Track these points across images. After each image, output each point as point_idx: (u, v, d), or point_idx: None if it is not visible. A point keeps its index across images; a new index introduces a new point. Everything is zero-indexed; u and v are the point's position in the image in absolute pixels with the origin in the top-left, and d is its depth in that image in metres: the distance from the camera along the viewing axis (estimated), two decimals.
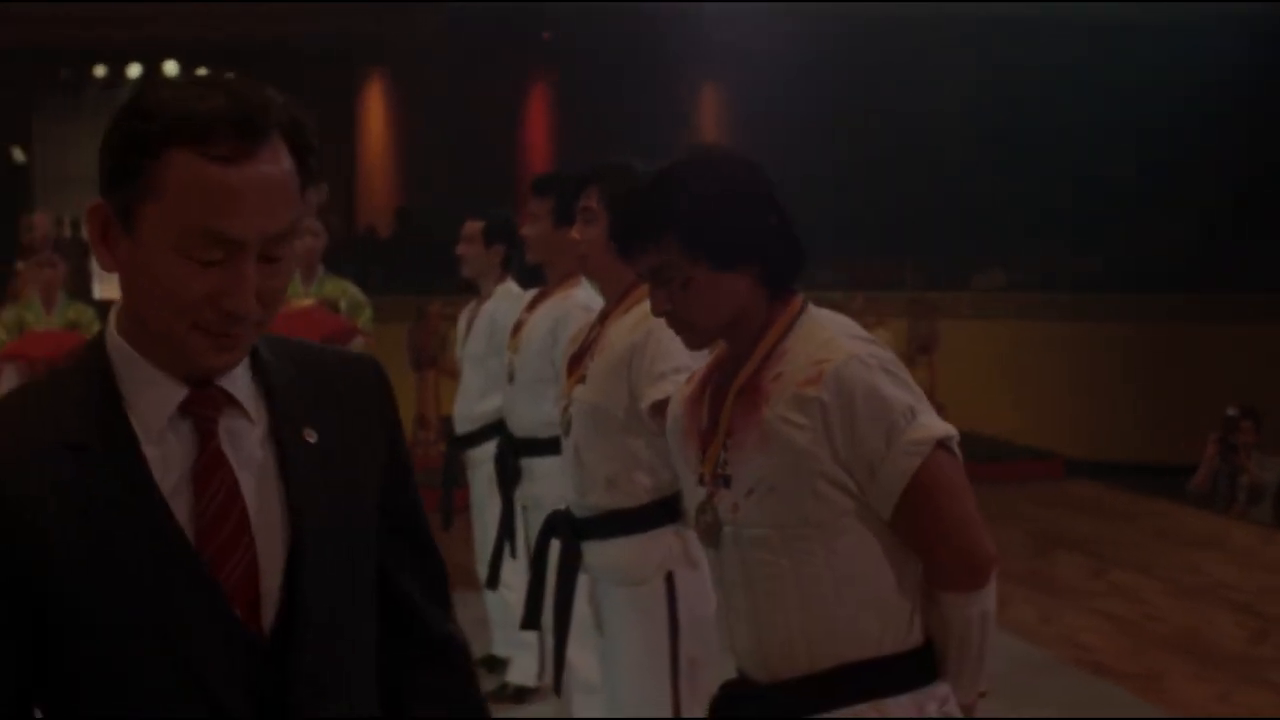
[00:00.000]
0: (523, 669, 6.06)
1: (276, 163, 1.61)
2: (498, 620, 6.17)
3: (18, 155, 18.45)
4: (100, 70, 19.56)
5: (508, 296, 5.88)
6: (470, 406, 6.14)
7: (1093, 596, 8.02)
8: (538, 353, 4.95)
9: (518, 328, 5.10)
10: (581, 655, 4.23)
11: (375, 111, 20.67)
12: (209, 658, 1.62)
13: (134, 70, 19.34)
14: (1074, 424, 15.24)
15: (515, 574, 5.37)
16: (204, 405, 1.69)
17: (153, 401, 1.67)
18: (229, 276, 1.60)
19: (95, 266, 18.54)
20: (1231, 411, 11.05)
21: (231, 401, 1.70)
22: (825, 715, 2.49)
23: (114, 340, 1.68)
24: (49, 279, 8.30)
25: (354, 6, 18.09)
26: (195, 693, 1.62)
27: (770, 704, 2.56)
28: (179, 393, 1.67)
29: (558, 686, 4.35)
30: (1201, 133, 16.34)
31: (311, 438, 1.73)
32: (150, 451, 1.65)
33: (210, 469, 1.67)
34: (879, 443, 2.44)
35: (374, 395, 1.84)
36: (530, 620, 4.23)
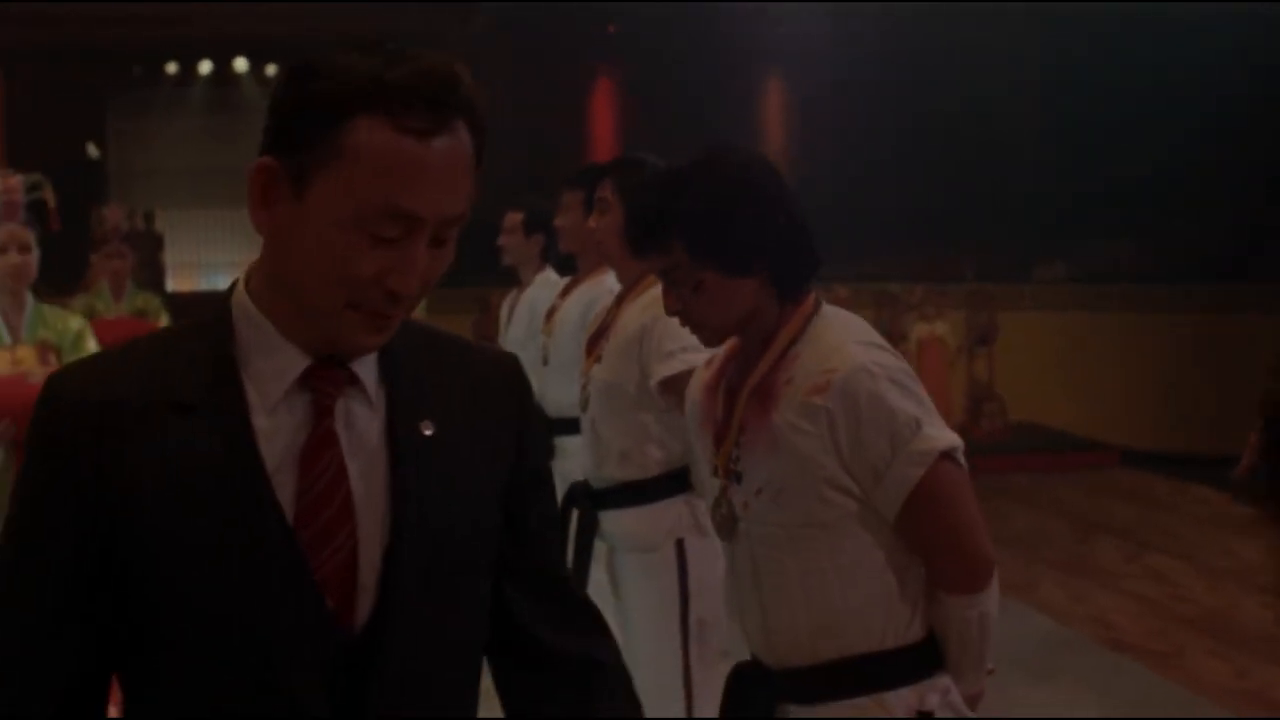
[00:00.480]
0: None
1: (462, 141, 1.54)
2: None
3: (92, 151, 18.74)
4: (172, 67, 19.80)
5: (546, 284, 6.10)
6: None
7: (1124, 579, 8.18)
8: (570, 336, 5.16)
9: (551, 313, 5.34)
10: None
11: None
12: (291, 646, 1.53)
13: (205, 67, 19.54)
14: (1129, 415, 15.27)
15: None
16: (326, 381, 1.59)
17: (273, 370, 1.57)
18: (400, 255, 1.51)
19: (168, 260, 18.89)
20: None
21: (354, 382, 1.60)
22: (828, 704, 2.57)
23: (241, 302, 1.59)
24: (118, 269, 8.60)
25: (418, 2, 18.32)
26: (271, 680, 1.53)
27: (778, 689, 2.64)
28: (301, 363, 1.57)
29: None
30: (1259, 123, 16.27)
31: (429, 430, 1.62)
32: (260, 422, 1.55)
33: (320, 448, 1.57)
34: (884, 452, 2.48)
35: (507, 395, 1.74)
36: None
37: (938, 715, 2.54)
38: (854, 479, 2.50)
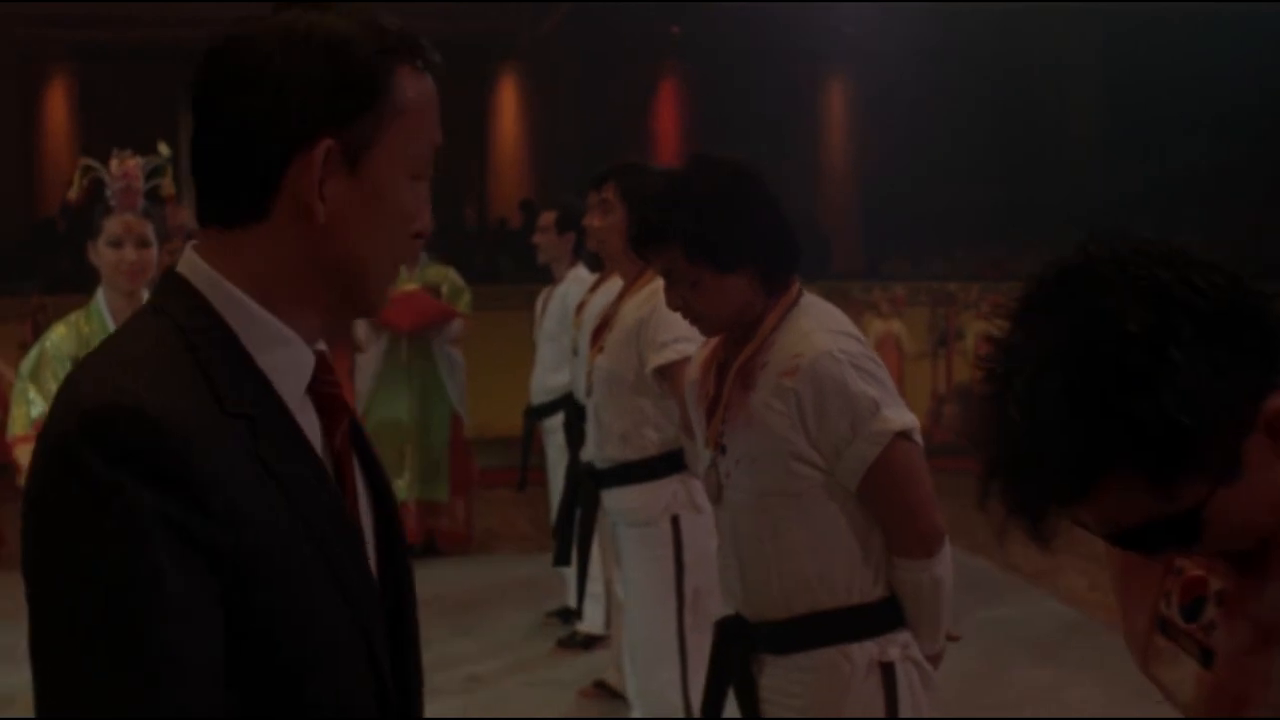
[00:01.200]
0: (592, 618, 6.65)
1: None
2: (571, 575, 6.76)
3: (164, 149, 19.14)
4: None
5: (577, 280, 6.43)
6: (544, 380, 6.74)
7: None
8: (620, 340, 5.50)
9: (580, 307, 5.68)
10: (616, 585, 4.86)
11: (507, 105, 21.15)
12: (372, 627, 1.49)
13: None
14: None
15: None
16: (325, 372, 1.54)
17: (287, 365, 1.48)
18: (421, 195, 1.53)
19: None
20: None
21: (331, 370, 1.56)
22: (798, 654, 2.89)
23: (227, 294, 1.47)
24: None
25: (486, 4, 18.61)
26: (365, 657, 1.49)
27: (755, 641, 2.97)
28: (309, 356, 1.51)
29: (579, 608, 4.95)
30: None
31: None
32: (300, 420, 1.49)
33: (348, 450, 1.55)
34: (845, 431, 2.78)
35: None
36: (559, 558, 4.86)
37: (897, 666, 2.87)
38: (819, 454, 2.82)
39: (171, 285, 1.49)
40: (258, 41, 1.46)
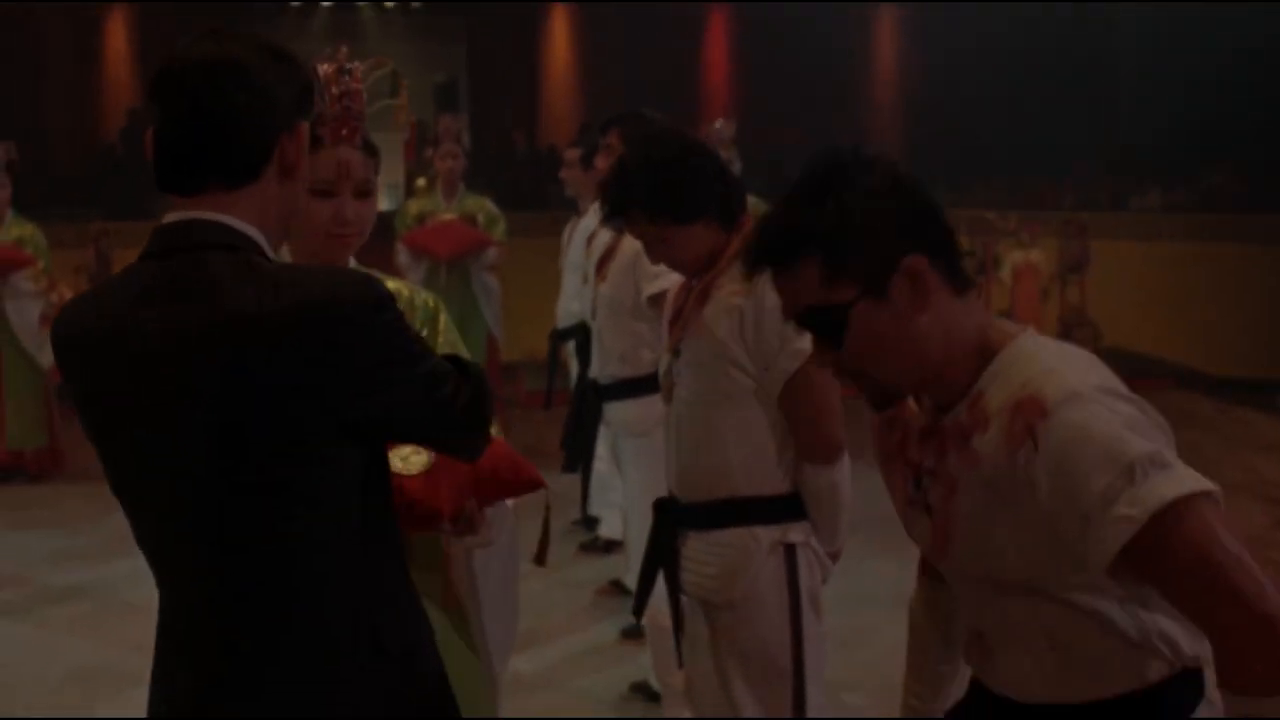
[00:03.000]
0: (611, 525, 7.17)
1: None
2: (593, 485, 7.27)
3: None
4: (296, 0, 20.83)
5: (599, 214, 6.90)
6: (568, 305, 7.23)
7: None
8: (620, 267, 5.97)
9: (591, 237, 6.17)
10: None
11: (559, 33, 21.47)
12: None
13: None
14: (1219, 342, 15.57)
15: (604, 443, 6.06)
16: None
17: None
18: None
19: None
20: None
21: None
22: (715, 532, 3.42)
23: (255, 235, 2.11)
24: None
25: None
26: None
27: (682, 517, 3.52)
28: None
29: (584, 510, 5.49)
30: None
31: None
32: None
33: None
34: (774, 346, 3.29)
35: None
36: (568, 465, 5.42)
37: (798, 549, 3.40)
38: (752, 363, 3.34)
39: (225, 229, 2.07)
40: (253, 55, 2.09)
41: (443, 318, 2.96)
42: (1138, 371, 14.53)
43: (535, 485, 2.82)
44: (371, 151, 2.85)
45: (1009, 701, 2.21)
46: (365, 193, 2.82)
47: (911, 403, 2.23)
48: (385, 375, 2.04)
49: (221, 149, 2.07)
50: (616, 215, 3.49)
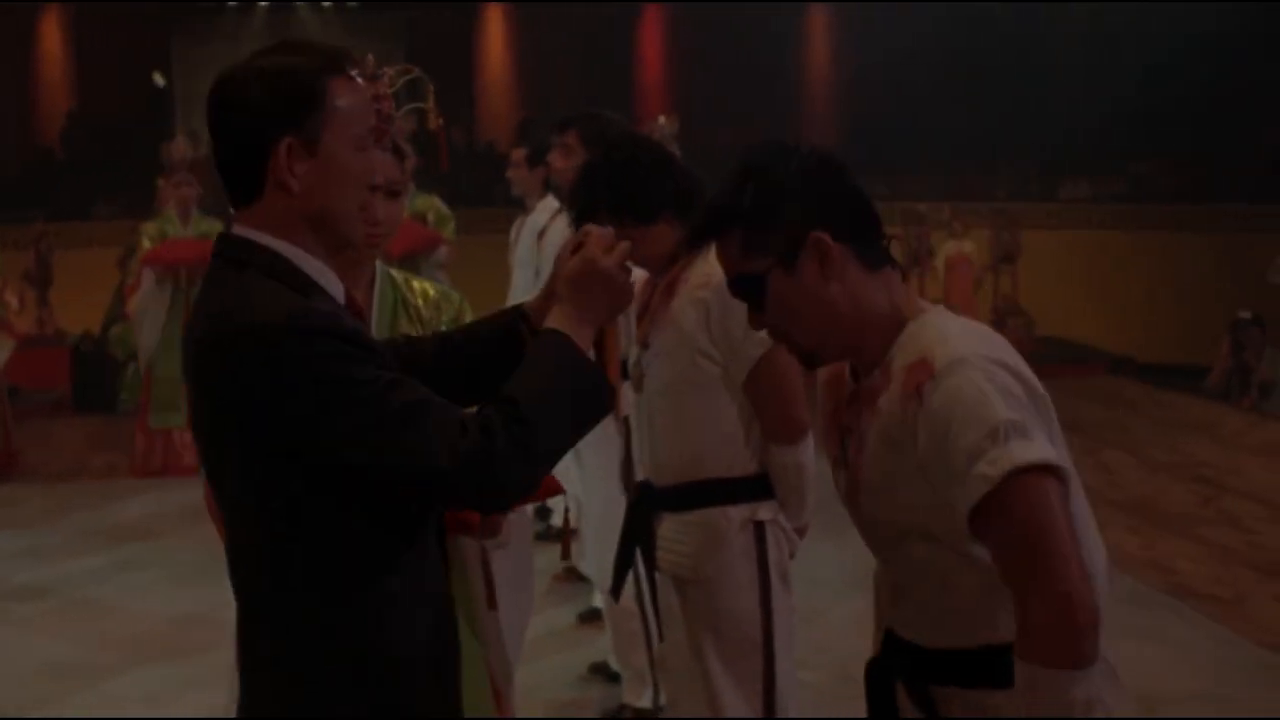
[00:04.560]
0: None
1: None
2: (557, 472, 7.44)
3: (159, 79, 19.47)
4: None
5: (547, 210, 7.07)
6: (518, 301, 7.40)
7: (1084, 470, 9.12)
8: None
9: (541, 233, 6.36)
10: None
11: (495, 29, 21.59)
12: None
13: None
14: (1124, 325, 15.84)
15: None
16: (348, 291, 2.31)
17: (333, 285, 2.22)
18: (370, 159, 2.26)
19: None
20: (1244, 315, 11.99)
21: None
22: (690, 512, 3.60)
23: (280, 247, 2.17)
24: (184, 196, 9.62)
25: None
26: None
27: (658, 501, 3.71)
28: (338, 281, 2.25)
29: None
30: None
31: None
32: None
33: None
34: (739, 335, 3.47)
35: None
36: None
37: (767, 526, 3.58)
38: (718, 351, 3.53)
39: (241, 244, 2.19)
40: (238, 78, 2.19)
41: (468, 317, 3.11)
42: (1071, 358, 14.81)
43: (555, 491, 3.00)
44: (401, 154, 3.19)
45: (916, 648, 2.41)
46: (394, 193, 3.17)
47: (846, 372, 2.48)
48: (304, 407, 2.07)
49: (225, 168, 2.22)
50: (584, 219, 3.64)
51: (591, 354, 2.26)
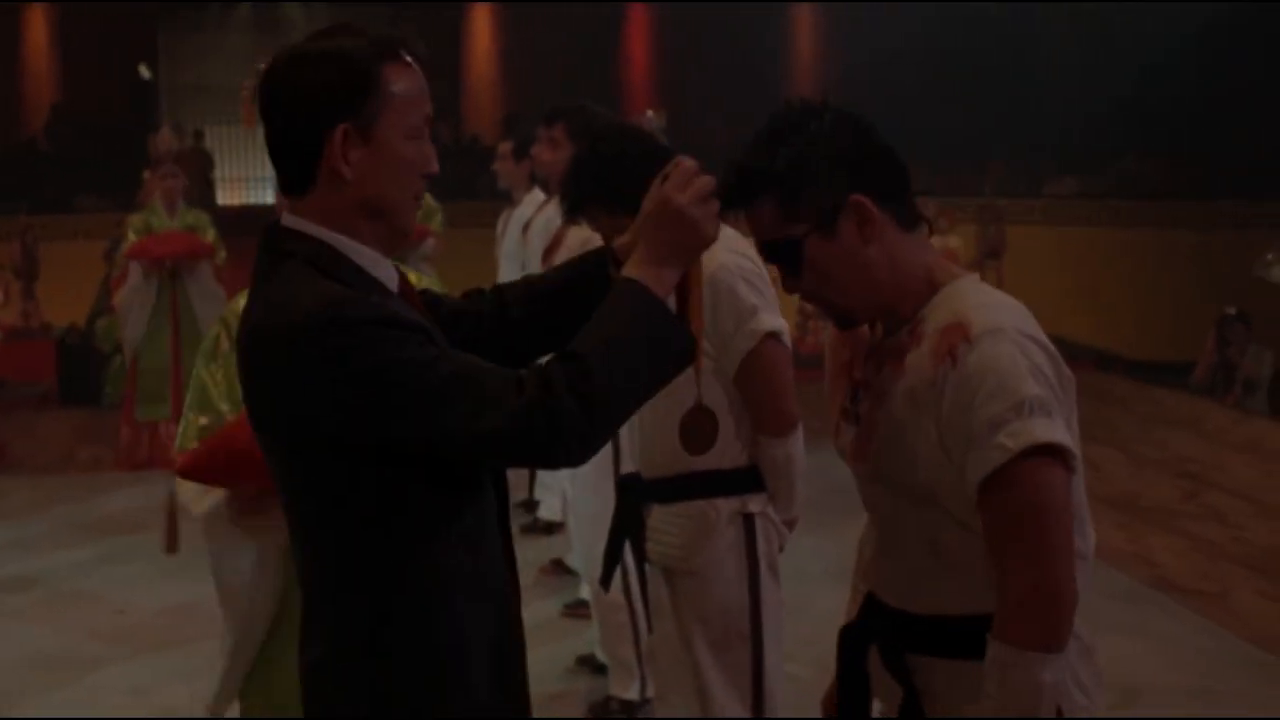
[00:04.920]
0: (550, 507, 7.39)
1: None
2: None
3: (144, 71, 19.43)
4: None
5: (533, 202, 7.08)
6: None
7: None
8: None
9: (526, 226, 6.36)
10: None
11: (481, 24, 21.66)
12: None
13: None
14: (1112, 322, 15.87)
15: None
16: (403, 277, 2.26)
17: (385, 274, 2.19)
18: (424, 148, 2.20)
19: (218, 176, 19.60)
20: (1229, 311, 12.00)
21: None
22: (678, 504, 3.59)
23: (329, 236, 2.14)
24: (170, 188, 9.57)
25: None
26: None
27: (647, 492, 3.71)
28: (392, 269, 2.21)
29: (530, 493, 5.62)
30: (1275, 45, 16.55)
31: None
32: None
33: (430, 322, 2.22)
34: (729, 328, 3.49)
35: None
36: None
37: (756, 518, 3.59)
38: (710, 344, 3.49)
39: (289, 234, 2.17)
40: (291, 63, 2.15)
41: None
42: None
43: None
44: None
45: (897, 613, 2.40)
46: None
47: (865, 328, 2.49)
48: (345, 393, 2.05)
49: (278, 156, 2.18)
50: (576, 211, 3.67)
51: (672, 300, 2.19)
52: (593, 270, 2.37)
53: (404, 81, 2.15)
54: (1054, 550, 2.16)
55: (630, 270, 2.17)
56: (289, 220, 2.18)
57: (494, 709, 2.24)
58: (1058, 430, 2.17)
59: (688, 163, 2.22)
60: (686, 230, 2.18)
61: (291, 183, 2.17)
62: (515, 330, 2.36)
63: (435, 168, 2.21)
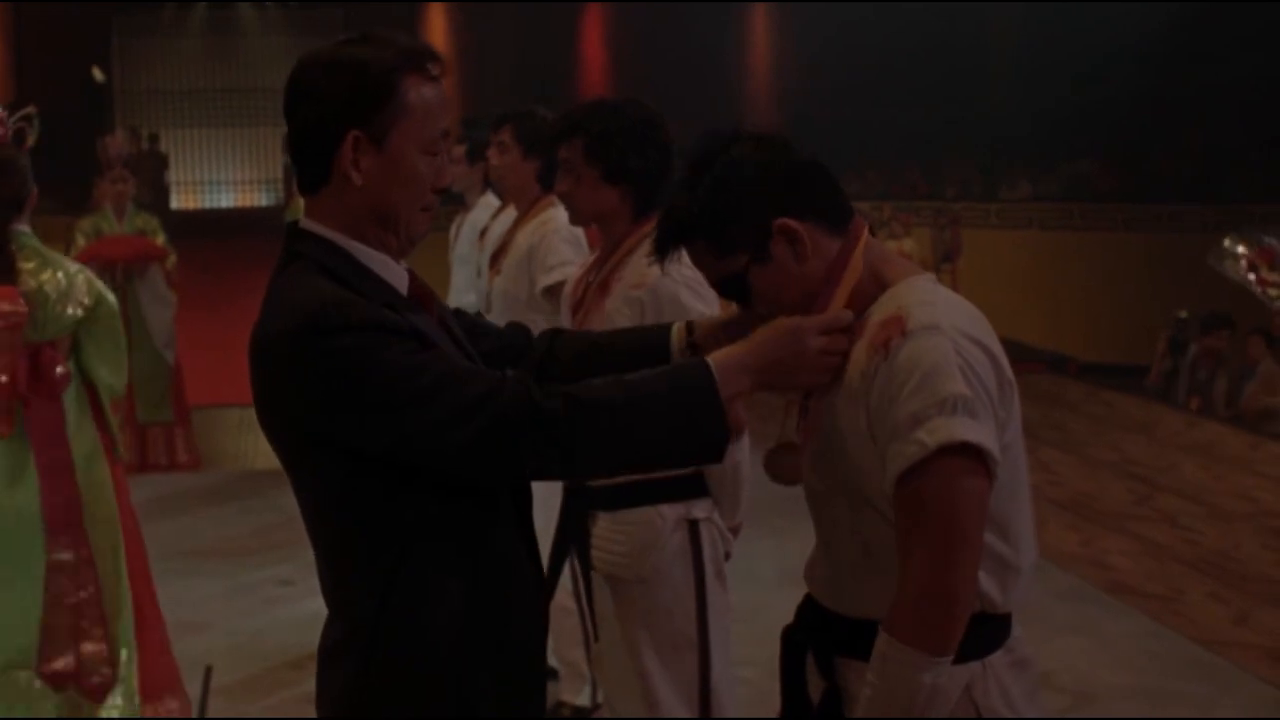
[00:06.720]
0: None
1: None
2: None
3: (98, 74, 19.34)
4: None
5: (487, 206, 6.99)
6: (458, 299, 7.33)
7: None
8: (515, 263, 6.10)
9: (483, 232, 6.32)
10: None
11: (437, 28, 21.68)
12: None
13: None
14: (1064, 324, 15.96)
15: None
16: (416, 278, 2.28)
17: (394, 275, 2.21)
18: (437, 162, 2.22)
19: (172, 179, 19.51)
20: (1181, 314, 12.08)
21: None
22: (623, 511, 3.58)
23: (339, 241, 2.19)
24: (120, 192, 9.50)
25: None
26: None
27: (591, 499, 3.66)
28: (402, 270, 2.24)
29: None
30: (1226, 50, 16.69)
31: None
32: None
33: (442, 322, 2.30)
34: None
35: None
36: None
37: (701, 524, 3.58)
38: None
39: (302, 235, 2.22)
40: (310, 69, 2.19)
41: None
42: (1011, 357, 14.66)
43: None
44: None
45: (829, 615, 2.38)
46: None
47: None
48: (320, 392, 2.09)
49: (295, 156, 2.23)
50: (561, 133, 3.62)
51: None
52: (655, 342, 2.48)
53: (423, 93, 2.19)
54: (956, 553, 2.13)
55: (715, 358, 2.21)
56: (305, 222, 2.24)
57: (494, 709, 2.24)
58: (981, 432, 2.14)
59: (845, 316, 2.27)
60: (797, 367, 2.24)
61: (307, 183, 2.23)
62: (557, 377, 2.35)
63: (447, 181, 2.25)
